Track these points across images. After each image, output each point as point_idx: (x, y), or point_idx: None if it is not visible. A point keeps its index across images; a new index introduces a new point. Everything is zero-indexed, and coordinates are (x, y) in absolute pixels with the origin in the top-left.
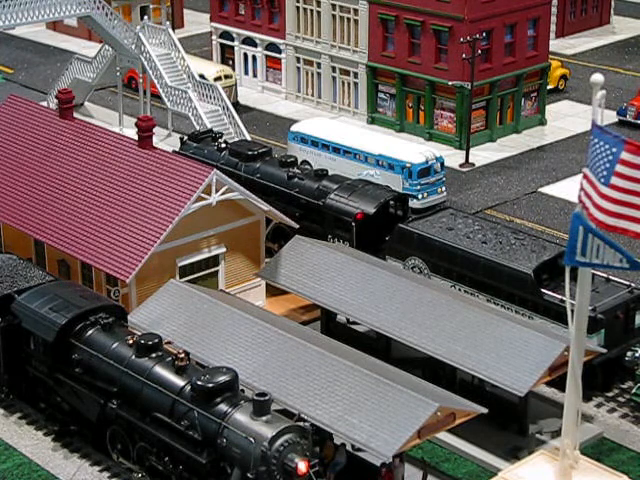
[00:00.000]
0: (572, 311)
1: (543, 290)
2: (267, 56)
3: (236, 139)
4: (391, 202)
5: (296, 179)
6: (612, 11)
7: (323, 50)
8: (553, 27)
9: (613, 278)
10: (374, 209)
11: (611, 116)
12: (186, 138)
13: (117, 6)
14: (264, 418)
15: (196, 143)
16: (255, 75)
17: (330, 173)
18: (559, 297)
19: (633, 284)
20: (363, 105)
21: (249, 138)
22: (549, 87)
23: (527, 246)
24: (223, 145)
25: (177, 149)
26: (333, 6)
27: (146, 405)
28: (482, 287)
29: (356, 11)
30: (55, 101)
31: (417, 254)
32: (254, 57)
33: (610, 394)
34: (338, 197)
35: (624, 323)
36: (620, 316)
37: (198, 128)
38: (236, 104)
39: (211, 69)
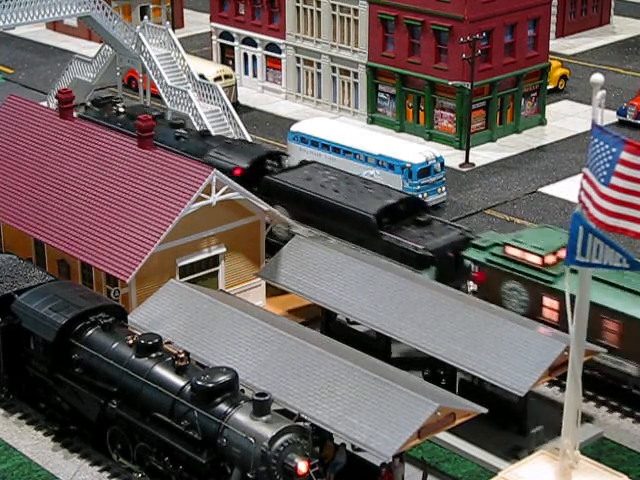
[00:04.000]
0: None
1: (382, 232)
2: (267, 56)
3: (235, 138)
4: (265, 159)
5: (182, 139)
6: (612, 11)
7: (323, 50)
8: (553, 27)
9: (449, 222)
10: (248, 164)
11: (611, 116)
12: (89, 104)
13: (117, 6)
14: (264, 418)
15: (98, 108)
16: (255, 75)
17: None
18: (397, 238)
19: (466, 227)
20: (363, 105)
21: (249, 138)
22: (549, 87)
23: (374, 193)
24: (121, 109)
25: (81, 114)
26: (333, 6)
27: (146, 405)
28: (333, 231)
29: (356, 11)
30: (55, 101)
31: (279, 202)
32: (254, 57)
33: (610, 394)
34: (217, 154)
35: (454, 262)
36: (450, 255)
37: (198, 128)
38: (236, 104)
39: (211, 69)
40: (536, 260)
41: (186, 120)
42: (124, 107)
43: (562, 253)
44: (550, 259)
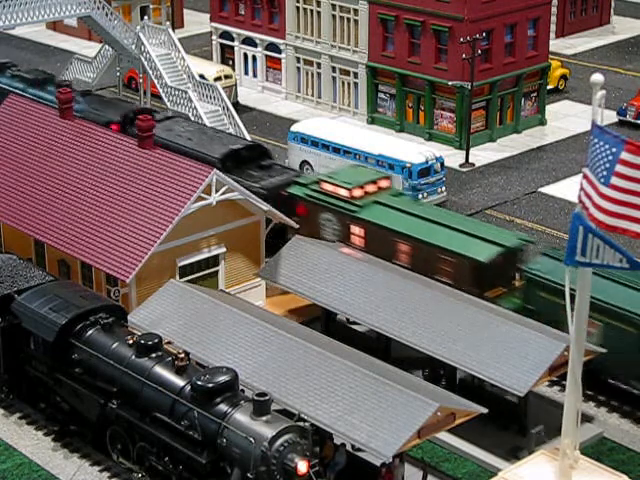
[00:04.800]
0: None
1: (226, 173)
2: (267, 56)
3: (236, 135)
4: (137, 114)
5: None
6: (612, 11)
7: (323, 50)
8: (553, 27)
9: (289, 167)
10: (120, 117)
11: (611, 116)
12: None
13: (117, 6)
14: (264, 418)
15: None
16: (255, 75)
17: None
18: (237, 179)
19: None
20: (363, 105)
21: (249, 138)
22: (549, 87)
23: (222, 141)
24: (16, 73)
25: None
26: (333, 6)
27: (146, 405)
28: None
29: (356, 11)
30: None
31: None
32: (254, 57)
33: (610, 394)
34: (94, 109)
35: (286, 201)
36: (283, 194)
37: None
38: (236, 104)
39: (211, 69)
40: (345, 193)
41: (70, 83)
42: (19, 70)
43: (368, 187)
44: (357, 192)
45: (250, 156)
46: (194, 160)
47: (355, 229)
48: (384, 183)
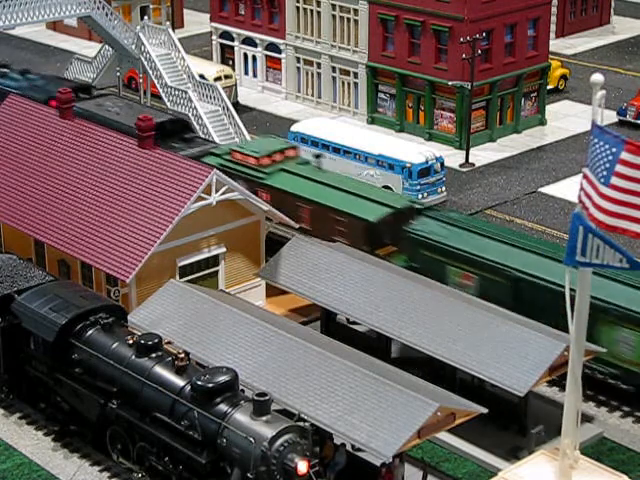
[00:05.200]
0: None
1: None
2: (267, 56)
3: (237, 140)
4: (77, 91)
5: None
6: (612, 11)
7: (323, 50)
8: (553, 27)
9: (210, 140)
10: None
11: (611, 116)
12: None
13: (117, 6)
14: (264, 418)
15: None
16: (255, 75)
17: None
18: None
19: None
20: (363, 105)
21: (249, 138)
22: (549, 87)
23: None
24: None
25: None
26: (333, 6)
27: (146, 405)
28: None
29: (356, 11)
30: None
31: None
32: (254, 57)
33: (610, 394)
34: (33, 87)
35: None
36: (202, 162)
37: (198, 128)
38: (236, 104)
39: (211, 69)
40: (253, 161)
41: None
42: None
43: (276, 156)
44: (265, 161)
45: (174, 129)
46: (126, 135)
47: (262, 194)
48: (291, 152)
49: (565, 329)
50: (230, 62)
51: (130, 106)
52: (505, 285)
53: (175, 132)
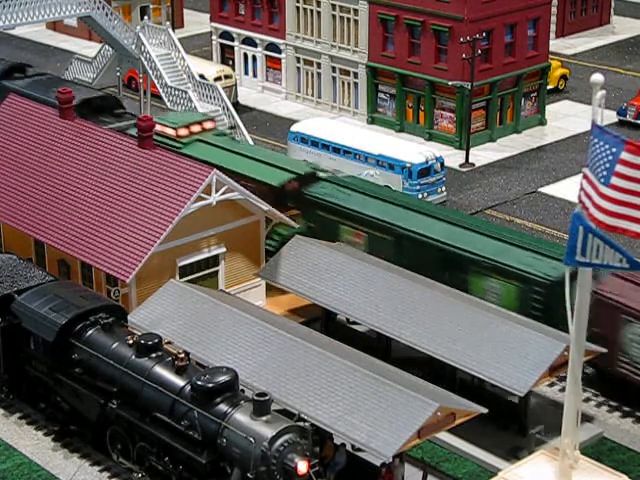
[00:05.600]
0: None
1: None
2: (267, 56)
3: (238, 138)
4: (11, 71)
5: None
6: (612, 11)
7: (323, 50)
8: (553, 27)
9: (137, 115)
10: None
11: (611, 116)
12: None
13: (117, 6)
14: (264, 418)
15: None
16: (255, 75)
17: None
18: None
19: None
20: (363, 105)
21: (249, 138)
22: (549, 87)
23: (80, 91)
24: None
25: None
26: (333, 6)
27: (146, 405)
28: None
29: (356, 11)
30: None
31: None
32: (254, 57)
33: (610, 394)
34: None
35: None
36: (130, 133)
37: None
38: (236, 104)
39: (211, 69)
40: (171, 132)
41: None
42: None
43: (193, 127)
44: (182, 132)
45: (104, 105)
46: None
47: None
48: (209, 124)
49: (442, 281)
50: (230, 62)
51: (57, 83)
52: (390, 242)
53: (105, 108)
